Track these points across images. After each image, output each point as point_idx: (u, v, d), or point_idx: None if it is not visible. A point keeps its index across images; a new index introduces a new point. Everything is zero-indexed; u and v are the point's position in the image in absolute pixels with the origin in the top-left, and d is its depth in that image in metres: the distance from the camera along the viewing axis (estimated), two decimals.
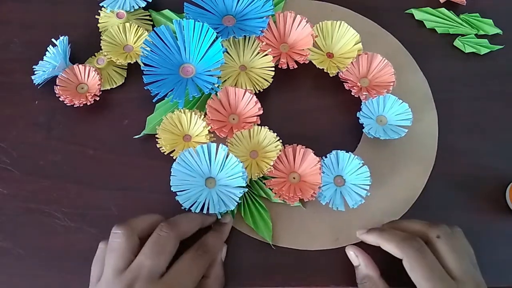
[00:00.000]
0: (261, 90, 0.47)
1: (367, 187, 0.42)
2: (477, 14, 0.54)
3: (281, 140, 0.44)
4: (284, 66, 0.47)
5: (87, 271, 0.41)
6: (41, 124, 0.47)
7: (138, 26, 0.49)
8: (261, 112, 0.45)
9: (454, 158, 0.47)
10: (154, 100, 0.44)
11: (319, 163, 0.43)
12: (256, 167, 0.43)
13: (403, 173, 0.46)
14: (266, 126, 0.44)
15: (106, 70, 0.48)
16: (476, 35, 0.53)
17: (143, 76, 0.44)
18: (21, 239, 0.43)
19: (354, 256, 0.41)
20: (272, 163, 0.43)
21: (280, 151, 0.43)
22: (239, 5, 0.49)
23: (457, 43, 0.53)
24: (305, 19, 0.48)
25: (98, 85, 0.46)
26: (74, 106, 0.46)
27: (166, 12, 0.52)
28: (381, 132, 0.45)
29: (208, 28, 0.45)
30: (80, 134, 0.46)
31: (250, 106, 0.45)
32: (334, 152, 0.43)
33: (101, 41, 0.48)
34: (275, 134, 0.44)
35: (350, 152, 0.43)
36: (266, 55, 0.47)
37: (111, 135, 0.46)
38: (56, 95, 0.46)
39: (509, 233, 0.45)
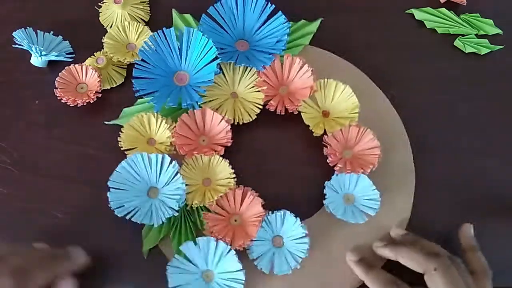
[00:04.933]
0: (241, 123, 0.45)
1: (300, 260, 0.40)
2: (478, 14, 0.54)
3: (235, 179, 0.42)
4: (272, 109, 0.46)
5: (87, 271, 0.41)
6: (41, 124, 0.47)
7: (138, 23, 0.49)
8: (229, 143, 0.44)
9: (452, 159, 0.47)
10: (136, 95, 0.44)
11: (261, 216, 0.41)
12: (203, 195, 0.42)
13: (386, 206, 0.43)
14: (227, 160, 0.43)
15: (105, 70, 0.48)
16: (476, 35, 0.53)
17: (133, 68, 0.44)
18: (21, 239, 0.43)
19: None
20: (217, 197, 0.41)
21: (229, 189, 0.42)
22: (256, 34, 0.49)
23: (457, 43, 0.53)
24: (311, 69, 0.46)
25: (98, 81, 0.46)
26: (78, 106, 0.46)
27: (188, 16, 0.51)
28: (340, 210, 0.42)
29: (212, 46, 0.44)
30: (80, 134, 0.46)
31: (222, 134, 0.44)
32: (282, 211, 0.41)
33: (104, 43, 0.48)
34: (233, 170, 0.42)
35: (297, 218, 0.40)
36: (259, 91, 0.46)
37: (111, 135, 0.46)
38: (58, 98, 0.46)
39: (509, 233, 0.45)
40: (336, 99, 0.46)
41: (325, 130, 0.45)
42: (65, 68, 0.47)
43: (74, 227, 0.43)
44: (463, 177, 0.47)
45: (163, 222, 0.40)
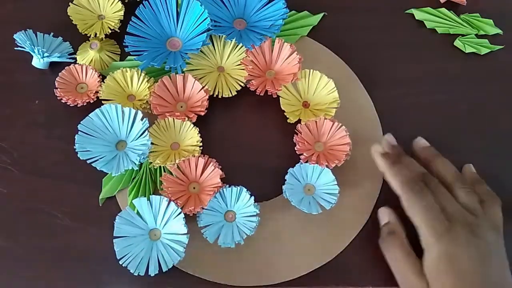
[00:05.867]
0: (220, 97, 0.46)
1: (245, 236, 0.40)
2: (478, 14, 0.54)
3: (201, 148, 0.43)
4: (253, 88, 0.46)
5: (87, 271, 0.41)
6: (41, 124, 0.47)
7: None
8: (202, 113, 0.45)
9: (451, 159, 0.47)
10: (126, 50, 0.46)
11: (217, 187, 0.41)
12: (166, 156, 0.43)
13: (345, 202, 0.43)
14: (197, 128, 0.43)
15: (99, 55, 0.48)
16: (476, 35, 0.53)
17: (128, 24, 0.46)
18: (21, 239, 0.43)
19: (385, 213, 0.42)
20: (179, 161, 0.42)
21: (193, 156, 0.42)
22: (255, 15, 0.50)
23: (457, 43, 0.53)
24: (299, 57, 0.46)
25: (98, 81, 0.46)
26: (78, 106, 0.46)
27: None
28: (297, 198, 0.41)
29: (207, 17, 0.45)
30: None
31: (198, 103, 0.44)
32: (239, 187, 0.41)
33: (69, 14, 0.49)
34: (200, 139, 0.43)
35: (252, 197, 0.41)
36: (243, 69, 0.47)
37: None
38: (58, 98, 0.46)
39: (509, 233, 0.45)
40: (318, 91, 0.47)
41: (300, 120, 0.46)
42: (65, 68, 0.47)
43: (74, 227, 0.43)
44: None
45: (124, 175, 0.42)
